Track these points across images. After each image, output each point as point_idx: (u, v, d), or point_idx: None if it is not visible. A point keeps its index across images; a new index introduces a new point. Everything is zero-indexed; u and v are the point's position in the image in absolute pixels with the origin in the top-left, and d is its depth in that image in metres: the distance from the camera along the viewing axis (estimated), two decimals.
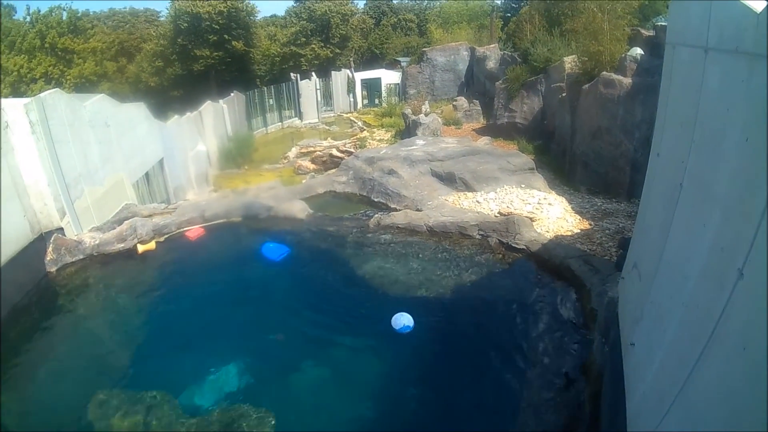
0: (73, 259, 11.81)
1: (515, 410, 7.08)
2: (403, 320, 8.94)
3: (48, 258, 11.57)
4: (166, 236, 13.09)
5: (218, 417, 7.21)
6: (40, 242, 11.55)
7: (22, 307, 10.26)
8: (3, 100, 11.29)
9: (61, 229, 12.02)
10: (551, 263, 10.42)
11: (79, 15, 43.87)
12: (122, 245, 12.29)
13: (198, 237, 13.21)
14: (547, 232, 12.00)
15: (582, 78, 16.83)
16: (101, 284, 11.39)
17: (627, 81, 14.12)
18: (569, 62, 19.22)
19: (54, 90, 12.72)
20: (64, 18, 41.57)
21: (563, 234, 11.88)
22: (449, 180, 15.40)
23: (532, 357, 7.97)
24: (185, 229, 13.44)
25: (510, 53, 27.72)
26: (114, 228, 12.79)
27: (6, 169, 10.80)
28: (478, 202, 14.14)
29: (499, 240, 11.50)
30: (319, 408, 7.54)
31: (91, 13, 51.11)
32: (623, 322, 6.73)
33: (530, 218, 12.39)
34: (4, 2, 40.91)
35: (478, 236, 11.86)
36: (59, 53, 39.74)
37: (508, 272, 10.67)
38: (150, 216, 13.66)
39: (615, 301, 7.58)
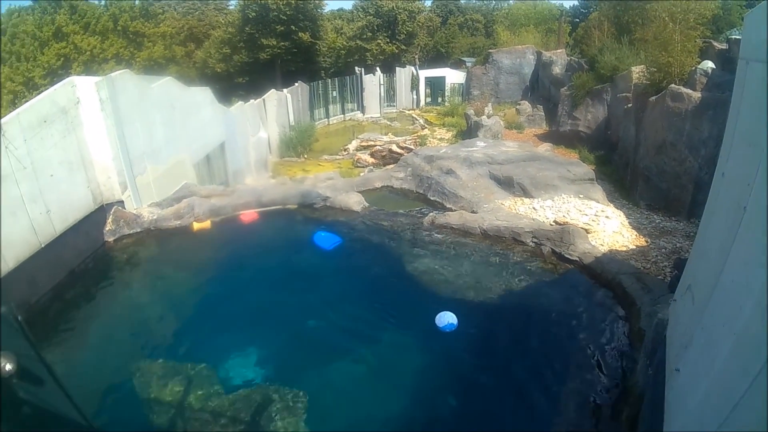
0: (131, 232, 12.27)
1: (549, 425, 6.99)
2: (447, 318, 8.92)
3: (107, 228, 12.08)
4: (222, 217, 13.37)
5: (255, 394, 7.35)
6: (100, 213, 12.07)
7: (78, 272, 10.79)
8: (76, 77, 11.79)
9: (122, 202, 12.54)
10: (603, 278, 10.22)
11: (150, 0, 45.40)
12: (178, 222, 12.68)
13: (252, 220, 13.45)
14: (602, 245, 11.79)
15: (649, 89, 16.37)
16: (155, 257, 11.85)
17: (696, 95, 13.73)
18: (637, 72, 18.78)
19: (124, 70, 13.18)
20: (136, 3, 43.27)
21: (618, 249, 11.64)
22: (507, 184, 15.26)
23: (573, 372, 7.84)
24: (240, 212, 13.69)
25: (577, 59, 27.35)
26: (172, 205, 13.20)
27: (75, 141, 11.29)
28: (534, 208, 13.98)
29: (552, 249, 11.34)
30: (353, 397, 7.59)
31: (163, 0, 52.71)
32: (670, 345, 6.50)
33: (586, 230, 12.19)
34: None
35: (531, 243, 11.73)
36: (130, 36, 41.36)
37: (558, 283, 10.48)
38: (208, 196, 13.95)
39: (664, 324, 7.32)
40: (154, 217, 12.66)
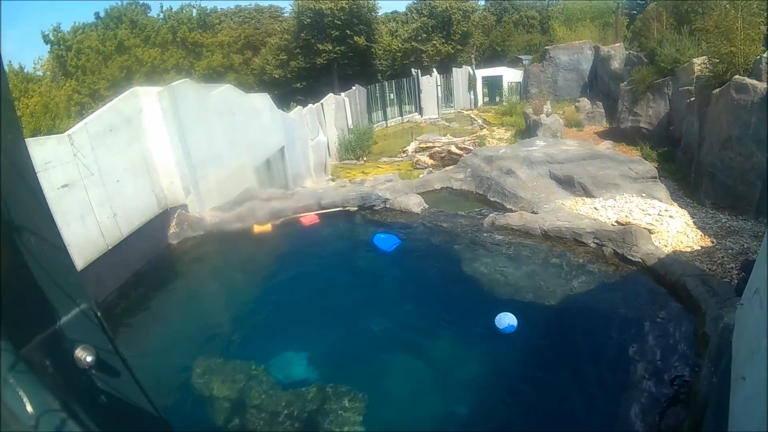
0: (194, 234, 12.73)
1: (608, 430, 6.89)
2: (507, 320, 8.88)
3: (171, 231, 12.57)
4: (282, 220, 13.65)
5: (312, 393, 7.47)
6: (165, 216, 12.55)
7: (143, 273, 11.27)
8: (139, 88, 12.31)
9: (185, 205, 13.00)
10: (666, 280, 9.95)
11: (207, 11, 47.11)
12: (240, 225, 13.01)
13: (312, 223, 13.66)
14: (665, 246, 11.51)
15: (712, 81, 15.64)
16: (217, 259, 12.21)
17: (762, 86, 13.19)
18: (699, 64, 18.10)
19: (184, 80, 13.71)
20: (194, 14, 44.65)
21: (682, 250, 11.35)
22: (568, 184, 15.07)
23: (634, 377, 7.67)
24: (301, 214, 13.92)
25: (636, 53, 26.66)
26: (234, 208, 13.53)
27: (139, 149, 11.78)
28: (595, 208, 13.76)
29: (614, 250, 11.12)
30: (412, 398, 7.63)
31: (219, 10, 54.27)
32: (737, 352, 6.22)
33: (649, 230, 11.90)
34: (141, 1, 44.23)
35: (592, 244, 11.54)
36: (189, 46, 42.64)
37: (620, 285, 10.26)
38: (268, 200, 14.24)
39: (730, 329, 7.07)
40: (216, 220, 13.06)
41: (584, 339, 8.74)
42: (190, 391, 7.79)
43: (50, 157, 9.25)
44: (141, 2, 45.23)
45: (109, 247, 10.52)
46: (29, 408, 1.40)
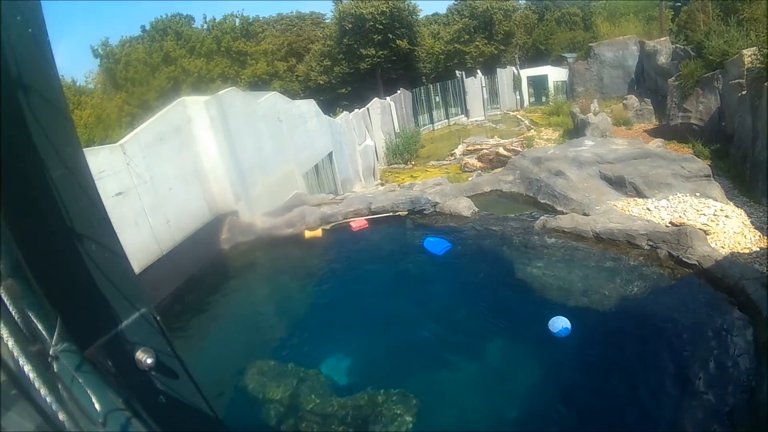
0: (245, 240, 12.90)
1: None
2: (560, 323, 8.75)
3: (222, 237, 12.76)
4: (332, 225, 13.71)
5: (364, 398, 7.49)
6: (216, 222, 12.75)
7: (196, 278, 11.50)
8: (187, 97, 12.62)
9: (236, 212, 13.20)
10: (724, 283, 9.52)
11: (250, 21, 48.17)
12: (290, 230, 13.16)
13: (361, 228, 13.71)
14: (722, 247, 11.17)
15: (764, 73, 15.21)
16: (268, 264, 12.39)
17: None
18: (749, 55, 17.48)
19: (230, 88, 14.02)
20: (237, 24, 45.66)
21: (740, 251, 11.00)
22: (618, 184, 14.82)
23: (691, 386, 7.36)
24: (350, 219, 13.97)
25: (682, 46, 25.91)
26: (284, 214, 13.69)
27: (189, 156, 12.07)
28: (648, 209, 13.51)
29: (668, 252, 10.79)
30: (463, 402, 7.61)
31: (261, 19, 55.34)
32: None
33: (704, 231, 11.59)
34: (184, 13, 45.63)
35: (646, 247, 11.22)
36: (234, 55, 43.58)
37: (676, 288, 9.95)
38: (318, 205, 14.34)
39: None
40: (267, 226, 13.23)
41: (639, 345, 8.54)
42: (244, 394, 7.94)
43: (104, 166, 9.55)
44: (185, 14, 46.62)
45: (163, 253, 10.83)
46: (97, 406, 1.45)
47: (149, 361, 1.94)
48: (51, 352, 1.49)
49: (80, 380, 1.49)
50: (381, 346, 8.90)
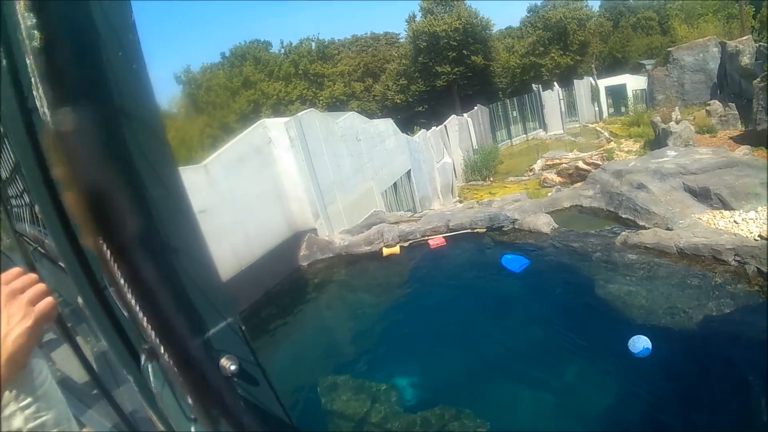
0: (323, 257, 13.09)
1: None
2: (642, 343, 8.49)
3: (301, 254, 13.02)
4: (410, 242, 13.69)
5: (434, 417, 7.51)
6: (295, 239, 13.07)
7: (275, 293, 11.87)
8: (266, 119, 13.09)
9: (315, 229, 13.49)
10: None
11: (326, 43, 49.32)
12: (369, 248, 13.20)
13: (439, 245, 13.65)
14: None
15: None
16: (346, 281, 12.49)
17: None
18: None
19: (309, 110, 14.42)
20: (313, 47, 46.99)
21: None
22: (703, 196, 14.16)
23: None
24: (428, 237, 13.93)
25: (766, 45, 24.96)
26: (362, 232, 13.79)
27: (269, 176, 12.49)
28: (735, 222, 12.85)
29: (757, 268, 10.15)
30: (538, 423, 7.51)
31: (336, 41, 56.27)
32: None
33: None
34: (262, 39, 47.51)
35: (733, 262, 10.62)
36: (311, 78, 44.86)
37: (765, 308, 9.21)
38: (396, 223, 14.40)
39: None
40: (345, 243, 13.36)
41: (725, 368, 8.10)
42: (318, 406, 8.12)
43: (188, 185, 10.15)
44: (262, 40, 48.36)
45: (243, 268, 11.21)
46: (186, 410, 1.48)
47: (233, 367, 2.03)
48: (144, 355, 1.64)
49: (171, 381, 1.53)
50: (455, 363, 8.88)
